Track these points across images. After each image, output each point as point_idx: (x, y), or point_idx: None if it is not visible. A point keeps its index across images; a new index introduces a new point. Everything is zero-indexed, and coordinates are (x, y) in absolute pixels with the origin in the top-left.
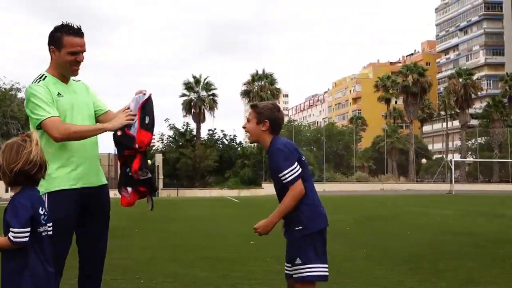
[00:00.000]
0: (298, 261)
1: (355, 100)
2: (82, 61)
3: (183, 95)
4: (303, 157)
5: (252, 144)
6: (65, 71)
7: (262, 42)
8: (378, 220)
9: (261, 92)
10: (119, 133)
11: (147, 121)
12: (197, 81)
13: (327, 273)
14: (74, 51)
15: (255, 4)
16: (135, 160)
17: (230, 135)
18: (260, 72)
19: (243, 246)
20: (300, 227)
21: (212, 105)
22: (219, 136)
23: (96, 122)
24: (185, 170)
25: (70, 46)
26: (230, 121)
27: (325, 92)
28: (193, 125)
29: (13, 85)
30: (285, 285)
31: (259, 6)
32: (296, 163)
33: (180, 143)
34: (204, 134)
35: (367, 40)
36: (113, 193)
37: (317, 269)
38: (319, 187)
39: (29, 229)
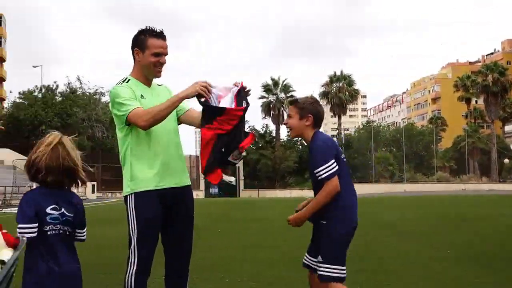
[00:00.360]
0: (319, 258)
1: (434, 100)
2: (165, 63)
3: (262, 97)
4: (342, 155)
5: None
6: (149, 73)
7: (340, 43)
8: (461, 220)
9: (340, 93)
10: (202, 99)
11: (244, 105)
12: (275, 83)
13: (343, 275)
14: (158, 53)
15: (332, 6)
16: (247, 139)
17: None
18: (338, 73)
19: None
20: (325, 225)
21: None
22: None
23: (179, 123)
24: (265, 171)
25: (154, 47)
26: None
27: (404, 93)
28: (272, 127)
29: (97, 89)
30: (368, 283)
31: (336, 8)
32: (333, 160)
33: (260, 145)
34: (283, 135)
35: (445, 40)
36: (195, 194)
37: (335, 270)
38: (399, 187)
39: (34, 225)
